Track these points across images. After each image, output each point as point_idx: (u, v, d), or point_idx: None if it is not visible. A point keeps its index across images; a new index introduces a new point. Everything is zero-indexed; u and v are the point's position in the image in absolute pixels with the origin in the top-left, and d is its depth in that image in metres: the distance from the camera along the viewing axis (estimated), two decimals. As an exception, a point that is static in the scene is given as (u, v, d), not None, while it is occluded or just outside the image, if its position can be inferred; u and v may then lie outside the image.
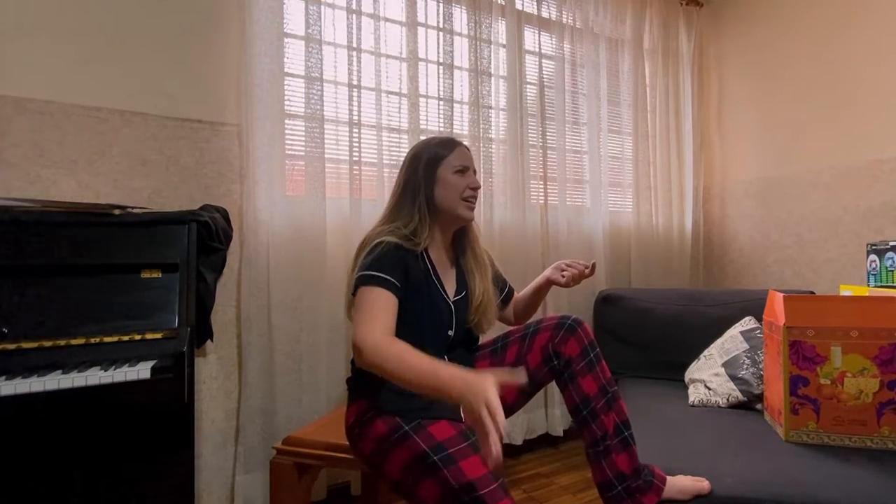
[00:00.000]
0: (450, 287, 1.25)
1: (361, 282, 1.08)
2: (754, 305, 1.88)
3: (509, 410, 1.25)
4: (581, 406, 1.14)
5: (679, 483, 1.11)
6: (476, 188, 1.23)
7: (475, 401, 0.81)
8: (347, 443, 1.17)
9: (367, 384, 1.14)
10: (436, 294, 1.19)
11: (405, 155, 1.26)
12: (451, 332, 1.21)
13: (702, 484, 1.10)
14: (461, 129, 2.01)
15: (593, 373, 1.15)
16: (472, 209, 1.23)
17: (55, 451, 1.04)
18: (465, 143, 1.99)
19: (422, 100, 1.90)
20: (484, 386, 0.82)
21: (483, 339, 1.35)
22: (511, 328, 1.31)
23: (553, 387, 2.10)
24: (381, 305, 1.04)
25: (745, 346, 1.67)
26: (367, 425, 1.09)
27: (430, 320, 1.17)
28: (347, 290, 1.17)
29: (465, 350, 1.28)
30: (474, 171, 1.26)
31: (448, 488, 0.94)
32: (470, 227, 1.31)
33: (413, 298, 1.13)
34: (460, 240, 1.31)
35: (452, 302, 1.23)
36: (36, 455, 1.03)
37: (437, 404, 1.10)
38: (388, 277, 1.07)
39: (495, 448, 0.78)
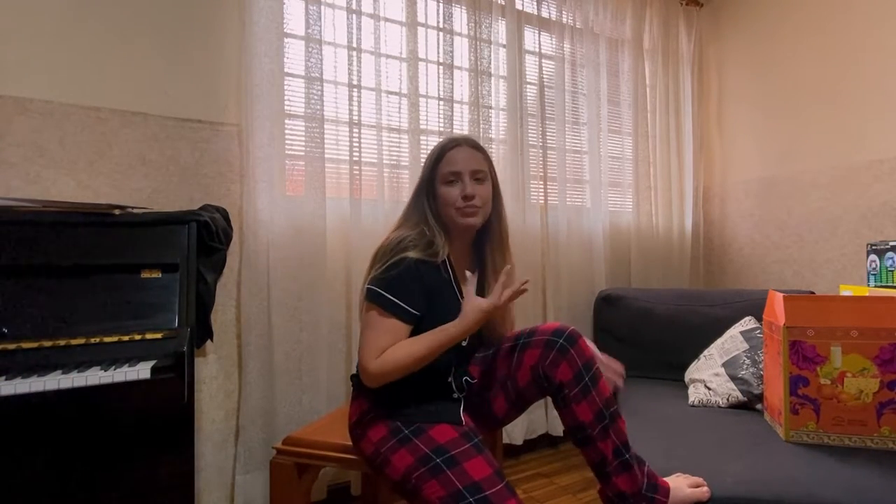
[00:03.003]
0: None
1: (375, 299, 1.07)
2: (754, 305, 1.88)
3: (500, 423, 1.24)
4: (575, 431, 1.10)
5: (679, 493, 1.08)
6: (469, 196, 1.13)
7: (479, 318, 1.06)
8: (347, 442, 1.17)
9: None
10: (453, 304, 1.13)
11: None
12: (464, 343, 1.19)
13: (701, 490, 1.08)
14: (461, 129, 2.01)
15: (588, 398, 1.07)
16: (472, 216, 1.15)
17: (55, 451, 1.04)
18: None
19: (422, 100, 1.90)
20: (476, 308, 1.06)
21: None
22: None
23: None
24: (388, 331, 1.06)
25: (745, 346, 1.67)
26: (367, 426, 1.09)
27: None
28: (362, 293, 1.14)
29: (470, 357, 1.27)
30: (473, 173, 1.15)
31: (453, 489, 0.94)
32: (492, 230, 1.23)
33: (434, 309, 1.11)
34: (481, 245, 1.25)
35: None
36: (36, 455, 1.03)
37: (436, 408, 1.10)
38: (403, 304, 1.06)
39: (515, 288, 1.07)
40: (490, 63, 2.05)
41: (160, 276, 1.24)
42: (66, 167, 1.41)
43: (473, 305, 1.07)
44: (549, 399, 2.14)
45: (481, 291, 1.22)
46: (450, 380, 1.17)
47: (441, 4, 1.96)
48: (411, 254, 1.08)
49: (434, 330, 1.07)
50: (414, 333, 1.09)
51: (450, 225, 1.17)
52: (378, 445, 1.06)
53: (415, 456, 1.00)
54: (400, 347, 1.05)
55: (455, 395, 1.16)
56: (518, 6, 2.17)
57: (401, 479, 1.01)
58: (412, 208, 1.20)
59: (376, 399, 1.11)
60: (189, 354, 1.14)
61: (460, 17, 2.02)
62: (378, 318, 1.07)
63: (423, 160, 1.85)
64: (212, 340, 1.51)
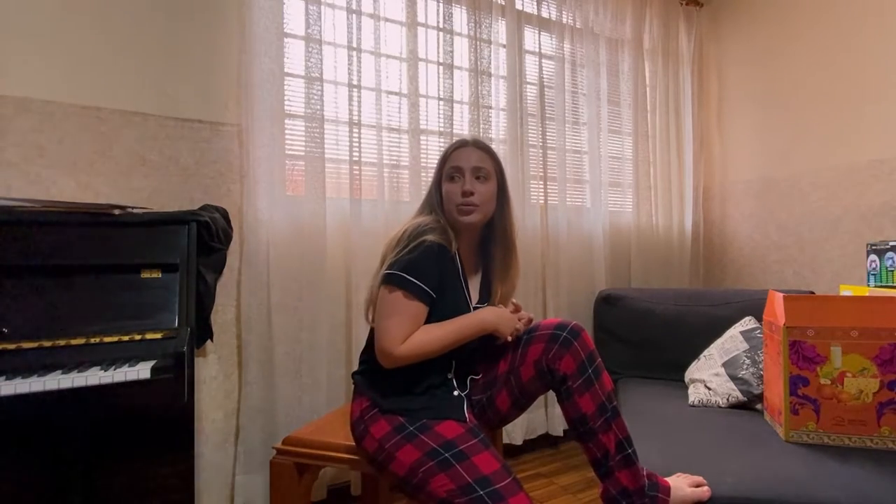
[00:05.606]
0: (474, 292, 1.25)
1: (398, 283, 1.08)
2: (754, 305, 1.88)
3: (503, 420, 1.24)
4: (578, 424, 1.10)
5: (680, 493, 1.08)
6: (467, 192, 1.16)
7: (507, 328, 1.14)
8: (348, 442, 1.17)
9: (372, 380, 1.14)
10: (461, 299, 1.19)
11: None
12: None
13: (702, 490, 1.09)
14: (461, 129, 2.01)
15: (591, 390, 1.08)
16: (469, 214, 1.17)
17: (55, 452, 1.04)
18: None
19: (422, 100, 1.90)
20: (506, 317, 1.16)
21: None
22: None
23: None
24: (413, 315, 1.08)
25: (745, 346, 1.67)
26: (370, 423, 1.09)
27: None
28: (370, 290, 1.15)
29: (470, 354, 1.27)
30: (475, 171, 1.18)
31: (463, 483, 0.95)
32: (496, 231, 1.26)
33: (442, 300, 1.13)
34: (487, 244, 1.28)
35: (474, 308, 1.21)
36: (36, 455, 1.03)
37: (441, 405, 1.10)
38: (424, 287, 1.09)
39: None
40: (490, 63, 2.05)
41: (160, 276, 1.23)
42: (66, 167, 1.41)
43: (503, 314, 1.16)
44: (550, 399, 2.18)
45: (486, 289, 1.28)
46: (450, 375, 1.18)
47: (441, 4, 1.95)
48: (431, 237, 1.11)
49: (464, 315, 1.13)
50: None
51: (453, 222, 1.20)
52: (382, 442, 1.06)
53: (422, 451, 1.01)
54: (427, 332, 1.09)
55: (456, 392, 1.16)
56: (518, 6, 2.17)
57: (406, 474, 1.01)
58: (425, 203, 1.25)
59: (379, 396, 1.11)
60: (189, 354, 1.14)
61: (460, 17, 2.02)
62: (402, 302, 1.08)
63: (423, 160, 1.89)
64: (212, 340, 1.51)
